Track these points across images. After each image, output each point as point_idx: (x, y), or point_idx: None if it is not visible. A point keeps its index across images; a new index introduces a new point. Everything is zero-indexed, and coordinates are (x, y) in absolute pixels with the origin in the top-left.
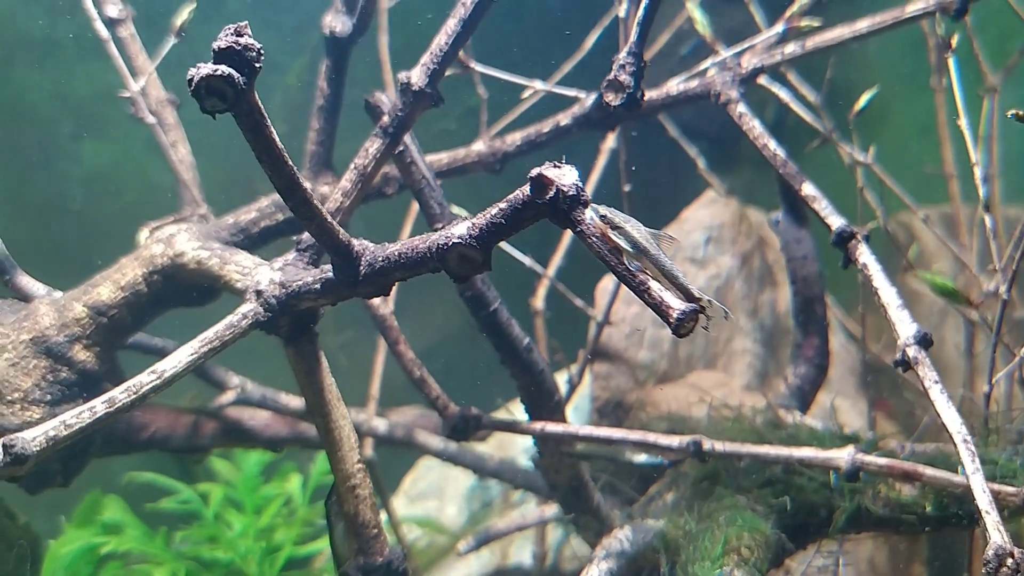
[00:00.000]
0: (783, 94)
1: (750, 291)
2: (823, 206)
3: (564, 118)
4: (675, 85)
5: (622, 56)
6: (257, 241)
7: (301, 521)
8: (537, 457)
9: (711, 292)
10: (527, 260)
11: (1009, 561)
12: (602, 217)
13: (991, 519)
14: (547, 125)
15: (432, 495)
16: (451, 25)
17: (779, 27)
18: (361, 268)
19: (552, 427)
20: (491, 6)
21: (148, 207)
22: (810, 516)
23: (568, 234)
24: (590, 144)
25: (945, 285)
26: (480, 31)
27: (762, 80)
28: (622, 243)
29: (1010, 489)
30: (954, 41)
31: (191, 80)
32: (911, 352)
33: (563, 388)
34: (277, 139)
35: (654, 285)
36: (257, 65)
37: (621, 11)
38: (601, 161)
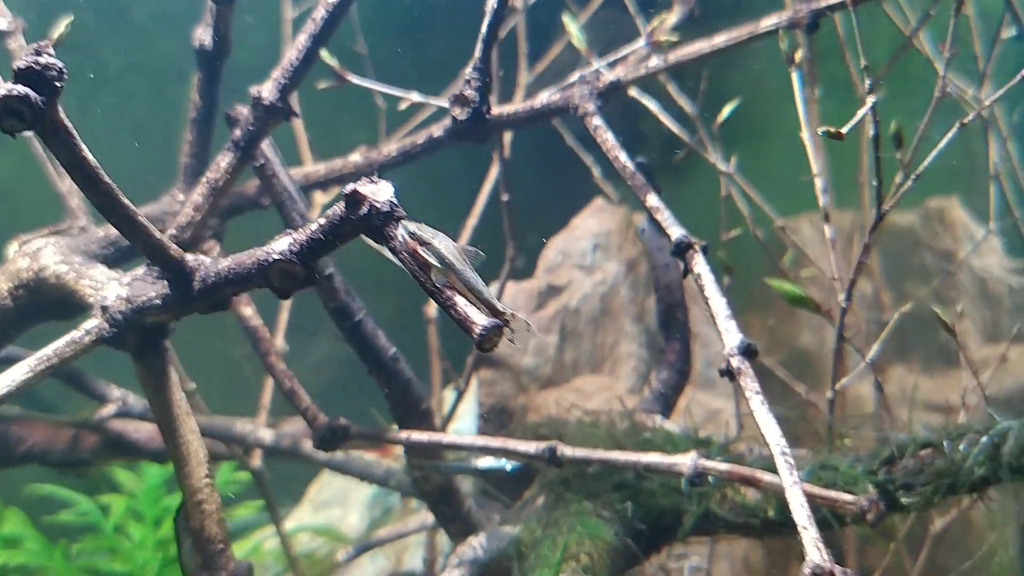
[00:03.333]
0: (652, 105)
1: (636, 296)
2: (664, 216)
3: (437, 130)
4: (541, 98)
5: (467, 71)
6: (128, 254)
7: None
8: (407, 466)
9: (597, 297)
10: None
11: None
12: (411, 234)
13: (808, 536)
14: (422, 136)
15: (336, 503)
16: (302, 40)
17: (641, 41)
18: (195, 283)
19: (417, 436)
20: (340, 23)
21: (47, 220)
22: (659, 520)
23: None
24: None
25: (792, 292)
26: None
27: (633, 92)
28: (431, 259)
29: (847, 497)
30: (797, 56)
31: None
32: (735, 362)
33: (452, 397)
34: (89, 156)
35: (460, 300)
36: (58, 84)
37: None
38: (494, 171)
